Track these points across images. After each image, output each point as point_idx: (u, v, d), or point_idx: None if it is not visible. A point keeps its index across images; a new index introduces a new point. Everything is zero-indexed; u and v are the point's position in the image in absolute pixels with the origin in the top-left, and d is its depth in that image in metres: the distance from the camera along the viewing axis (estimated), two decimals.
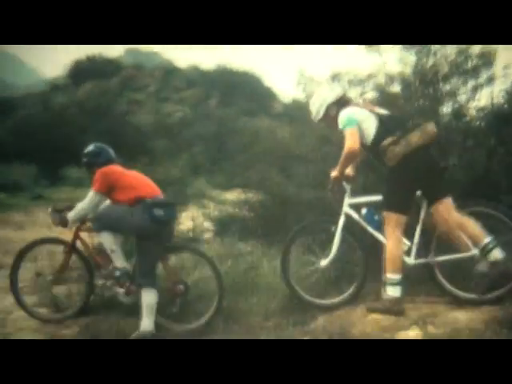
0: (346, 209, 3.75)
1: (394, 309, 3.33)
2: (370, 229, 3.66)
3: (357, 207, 3.76)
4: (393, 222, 3.38)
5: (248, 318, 3.94)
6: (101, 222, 4.00)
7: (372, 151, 3.54)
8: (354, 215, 3.72)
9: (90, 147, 4.37)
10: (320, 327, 3.52)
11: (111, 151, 4.41)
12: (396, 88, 5.07)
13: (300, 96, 5.81)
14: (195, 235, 6.84)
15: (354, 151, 3.45)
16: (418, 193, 3.45)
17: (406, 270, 3.47)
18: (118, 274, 4.01)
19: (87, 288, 4.34)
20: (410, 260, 3.53)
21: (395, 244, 3.37)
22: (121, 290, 4.02)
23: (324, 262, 3.79)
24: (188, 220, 7.29)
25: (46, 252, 4.56)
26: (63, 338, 3.84)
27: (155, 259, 3.98)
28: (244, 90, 33.26)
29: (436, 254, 3.53)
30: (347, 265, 4.06)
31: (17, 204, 12.88)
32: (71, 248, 4.33)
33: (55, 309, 4.46)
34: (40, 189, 15.61)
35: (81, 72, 39.17)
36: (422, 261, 3.54)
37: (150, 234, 3.84)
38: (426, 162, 3.35)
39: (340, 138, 4.51)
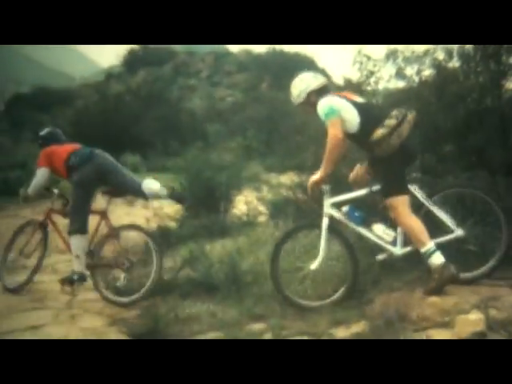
0: (327, 209, 3.72)
1: (446, 275, 3.25)
2: (353, 226, 3.67)
3: (337, 206, 3.75)
4: (401, 203, 3.40)
5: (303, 302, 3.93)
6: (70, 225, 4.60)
7: (358, 140, 3.58)
8: (336, 214, 3.71)
9: (42, 132, 5.15)
10: (376, 311, 3.46)
11: (58, 134, 5.14)
12: (455, 63, 4.85)
13: (354, 75, 5.67)
14: (249, 219, 6.88)
15: (339, 140, 3.44)
16: None
17: (394, 260, 3.58)
18: (75, 277, 4.51)
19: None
20: (397, 250, 3.56)
21: (413, 219, 3.38)
22: None
23: (313, 266, 3.76)
24: (242, 204, 7.33)
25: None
26: (124, 320, 3.94)
27: (82, 208, 4.60)
28: (296, 73, 32.94)
29: None
30: (336, 266, 4.00)
31: None
32: (39, 226, 4.92)
33: (116, 292, 4.59)
34: None
35: (135, 60, 39.92)
36: (409, 249, 3.54)
37: (73, 183, 4.60)
38: (411, 151, 3.52)
39: None
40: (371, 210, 3.75)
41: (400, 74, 5.27)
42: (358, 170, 3.89)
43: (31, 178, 4.98)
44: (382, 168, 3.51)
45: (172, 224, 6.79)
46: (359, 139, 3.55)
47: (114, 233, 4.65)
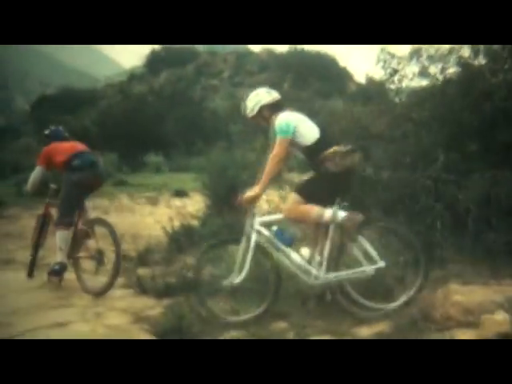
0: (257, 226, 3.76)
1: (358, 219, 3.51)
2: (281, 246, 3.70)
3: (267, 225, 3.79)
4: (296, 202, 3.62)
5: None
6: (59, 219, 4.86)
7: (311, 153, 3.65)
8: (265, 232, 3.75)
9: (46, 131, 5.43)
10: (399, 310, 3.45)
11: (59, 132, 5.39)
12: (481, 61, 4.79)
13: (377, 73, 5.64)
14: None
15: (281, 160, 3.61)
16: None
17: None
18: (57, 267, 4.74)
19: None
20: (321, 273, 3.62)
21: (305, 210, 3.58)
22: None
23: (237, 280, 3.75)
24: (264, 202, 7.33)
25: (129, 235, 4.79)
26: (148, 318, 3.98)
27: (73, 205, 4.87)
28: (318, 72, 32.86)
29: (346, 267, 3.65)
30: (258, 282, 3.98)
31: (100, 190, 13.48)
32: (39, 218, 5.34)
33: (140, 290, 4.64)
34: (122, 175, 16.24)
35: (157, 61, 40.32)
36: (332, 275, 3.62)
37: (70, 181, 4.81)
38: (351, 181, 3.74)
39: (422, 117, 4.36)
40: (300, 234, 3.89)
41: (424, 72, 5.23)
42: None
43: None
44: (318, 177, 3.66)
45: (195, 223, 6.83)
46: (313, 152, 3.64)
47: (88, 226, 4.87)
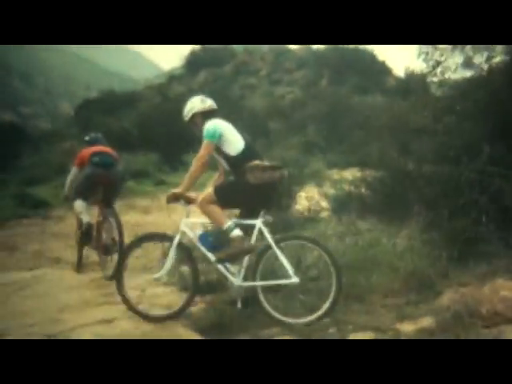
0: (182, 227, 3.95)
1: (244, 245, 3.66)
2: (202, 249, 3.89)
3: (192, 226, 3.98)
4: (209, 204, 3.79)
5: (369, 296, 3.88)
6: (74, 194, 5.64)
7: (234, 163, 3.84)
8: (190, 234, 3.94)
9: (86, 137, 6.06)
10: (445, 306, 3.38)
11: (93, 138, 5.94)
12: None
13: (418, 67, 5.54)
14: (311, 215, 6.86)
15: (205, 162, 3.83)
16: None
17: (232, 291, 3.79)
18: (86, 227, 5.46)
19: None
20: (238, 281, 3.77)
21: (214, 210, 3.77)
22: None
23: (157, 275, 3.93)
24: (304, 200, 7.31)
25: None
26: (190, 314, 4.02)
27: (83, 191, 5.50)
28: (356, 67, 32.40)
29: (261, 278, 3.77)
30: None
31: (142, 190, 13.74)
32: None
33: (183, 287, 4.69)
34: (162, 175, 16.47)
35: (196, 61, 40.64)
36: (247, 283, 3.76)
37: (85, 172, 5.50)
38: (271, 196, 3.94)
39: (465, 108, 4.26)
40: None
41: (468, 63, 5.10)
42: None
43: None
44: (237, 190, 3.84)
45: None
46: (236, 162, 3.83)
47: (105, 218, 5.51)
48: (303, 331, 3.41)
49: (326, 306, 3.64)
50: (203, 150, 3.82)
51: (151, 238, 4.19)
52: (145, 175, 15.98)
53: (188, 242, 4.04)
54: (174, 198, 3.95)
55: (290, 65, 37.78)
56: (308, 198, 7.22)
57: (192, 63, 40.94)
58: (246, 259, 3.79)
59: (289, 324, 3.65)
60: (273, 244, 3.72)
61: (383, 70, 35.22)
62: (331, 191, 7.23)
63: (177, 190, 3.90)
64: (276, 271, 3.86)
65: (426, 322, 3.24)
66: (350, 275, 3.95)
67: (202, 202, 3.81)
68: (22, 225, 9.93)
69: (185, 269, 4.91)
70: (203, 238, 3.94)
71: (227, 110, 23.65)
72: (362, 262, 4.13)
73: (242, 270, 3.80)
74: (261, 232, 3.79)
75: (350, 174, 8.37)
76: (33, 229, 9.18)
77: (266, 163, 3.77)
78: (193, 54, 41.42)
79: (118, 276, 3.98)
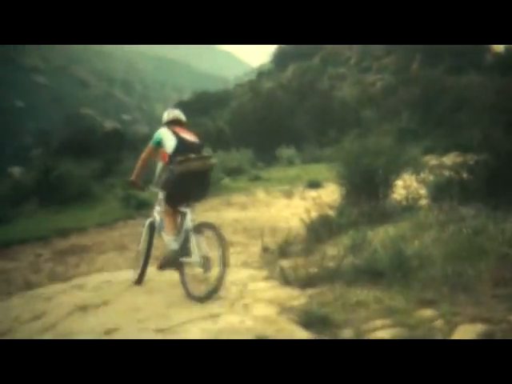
0: (154, 212, 5.15)
1: (175, 259, 4.64)
2: (160, 231, 4.99)
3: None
4: (166, 210, 4.87)
5: (476, 286, 3.70)
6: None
7: (170, 158, 4.75)
8: (157, 218, 5.08)
9: None
10: None
11: None
12: None
13: None
14: (410, 203, 6.66)
15: (143, 158, 5.10)
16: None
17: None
18: None
19: None
20: (174, 245, 4.68)
21: (168, 221, 4.83)
22: None
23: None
24: (401, 188, 7.11)
25: (268, 229, 4.92)
26: (293, 308, 4.05)
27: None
28: (449, 47, 30.80)
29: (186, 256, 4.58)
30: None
31: (238, 186, 14.00)
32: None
33: (284, 281, 4.74)
34: (257, 171, 16.68)
35: (284, 56, 40.78)
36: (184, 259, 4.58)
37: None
38: (193, 183, 4.70)
39: None
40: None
41: None
42: None
43: None
44: (171, 180, 4.75)
45: (331, 213, 6.82)
46: (170, 158, 4.74)
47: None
48: (408, 323, 3.32)
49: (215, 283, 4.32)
50: (144, 151, 5.11)
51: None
52: (240, 172, 16.26)
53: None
54: (131, 184, 5.25)
55: (379, 51, 36.74)
56: (405, 187, 7.00)
57: (280, 58, 41.16)
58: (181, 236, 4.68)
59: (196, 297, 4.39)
60: (190, 228, 4.56)
61: (480, 46, 33.18)
62: (430, 178, 6.96)
63: (132, 178, 5.16)
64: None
65: None
66: (455, 264, 3.79)
67: (162, 213, 4.96)
68: (128, 225, 10.52)
69: (285, 263, 4.98)
70: (161, 221, 5.00)
71: (317, 101, 23.57)
72: (467, 251, 3.94)
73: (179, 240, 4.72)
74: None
75: (449, 159, 8.01)
76: (138, 229, 9.69)
77: (192, 155, 4.66)
78: (280, 49, 41.60)
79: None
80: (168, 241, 4.76)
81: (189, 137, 4.94)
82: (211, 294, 4.32)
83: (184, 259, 4.55)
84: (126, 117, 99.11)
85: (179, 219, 4.83)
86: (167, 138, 4.88)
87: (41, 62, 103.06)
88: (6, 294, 5.97)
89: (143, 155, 5.10)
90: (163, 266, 4.83)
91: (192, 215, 4.67)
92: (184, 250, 4.58)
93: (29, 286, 6.33)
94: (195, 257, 4.41)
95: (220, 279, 4.31)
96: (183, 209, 4.74)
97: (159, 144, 4.92)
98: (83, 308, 4.49)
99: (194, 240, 4.47)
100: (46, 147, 38.94)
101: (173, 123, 5.13)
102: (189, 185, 4.68)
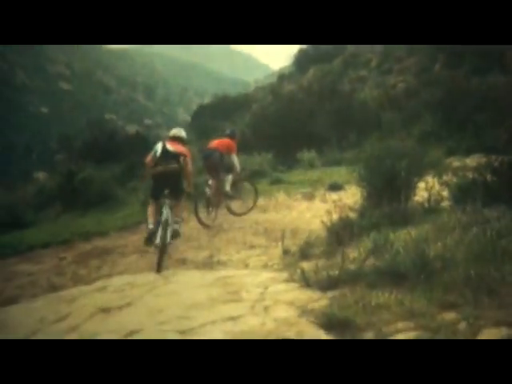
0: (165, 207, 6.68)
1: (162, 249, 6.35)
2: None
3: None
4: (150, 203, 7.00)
5: (500, 289, 3.64)
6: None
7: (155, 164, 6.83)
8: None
9: (227, 130, 10.46)
10: None
11: (232, 132, 10.36)
12: None
13: None
14: (432, 205, 6.59)
15: (146, 163, 7.02)
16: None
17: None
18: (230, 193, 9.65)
19: None
20: (157, 241, 6.39)
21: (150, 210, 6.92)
22: None
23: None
24: (423, 190, 7.04)
25: (289, 231, 4.90)
26: (314, 310, 4.04)
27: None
28: (472, 47, 30.32)
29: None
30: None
31: (259, 190, 14.03)
32: None
33: (305, 283, 4.73)
34: (278, 174, 16.67)
35: (305, 59, 40.71)
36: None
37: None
38: (162, 184, 6.77)
39: None
40: None
41: None
42: None
43: None
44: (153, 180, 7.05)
45: (353, 215, 6.78)
46: (155, 164, 6.83)
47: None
48: (430, 326, 3.29)
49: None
50: (147, 157, 7.00)
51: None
52: (261, 175, 16.26)
53: None
54: (141, 178, 7.63)
55: (401, 52, 36.40)
56: (428, 189, 6.93)
57: (301, 61, 41.08)
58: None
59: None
60: (164, 219, 6.42)
61: (504, 47, 32.62)
62: (453, 180, 6.87)
63: (143, 174, 7.69)
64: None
65: None
66: (479, 267, 3.72)
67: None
68: None
69: (306, 265, 4.96)
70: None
71: (337, 104, 23.47)
72: (490, 253, 3.88)
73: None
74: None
75: (472, 161, 7.89)
76: None
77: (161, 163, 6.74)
78: (301, 51, 41.56)
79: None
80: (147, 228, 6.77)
81: (172, 148, 6.88)
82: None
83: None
84: (148, 121, 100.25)
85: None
86: (157, 149, 6.92)
87: (66, 69, 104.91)
88: (31, 296, 6.09)
89: (145, 161, 7.06)
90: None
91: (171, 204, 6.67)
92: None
93: (53, 288, 6.42)
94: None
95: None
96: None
97: (155, 153, 6.86)
98: (106, 310, 4.55)
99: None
100: (69, 152, 39.57)
101: (171, 138, 7.17)
102: (158, 183, 6.80)
